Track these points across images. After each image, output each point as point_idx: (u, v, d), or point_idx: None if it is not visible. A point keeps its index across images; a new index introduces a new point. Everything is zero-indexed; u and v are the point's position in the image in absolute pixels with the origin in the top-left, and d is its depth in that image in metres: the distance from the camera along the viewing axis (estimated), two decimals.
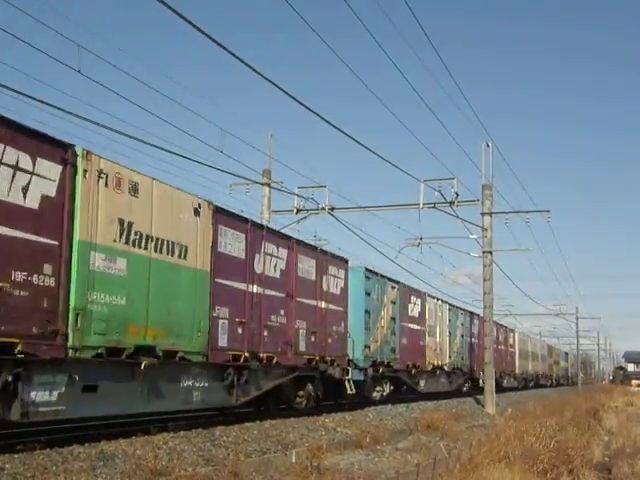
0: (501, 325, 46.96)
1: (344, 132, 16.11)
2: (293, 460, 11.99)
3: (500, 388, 40.58)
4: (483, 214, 28.55)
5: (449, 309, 34.23)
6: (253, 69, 12.01)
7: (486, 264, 28.70)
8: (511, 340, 51.26)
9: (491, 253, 28.86)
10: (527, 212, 29.64)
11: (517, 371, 52.73)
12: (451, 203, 26.09)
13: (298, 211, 27.27)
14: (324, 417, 18.58)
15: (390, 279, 26.17)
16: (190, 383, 14.05)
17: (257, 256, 16.41)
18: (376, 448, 14.45)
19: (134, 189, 12.22)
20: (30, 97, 12.07)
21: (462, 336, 36.50)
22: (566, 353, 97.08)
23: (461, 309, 37.22)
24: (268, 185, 26.75)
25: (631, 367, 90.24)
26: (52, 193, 10.69)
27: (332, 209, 26.90)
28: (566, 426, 18.08)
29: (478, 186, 28.81)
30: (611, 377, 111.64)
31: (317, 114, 14.50)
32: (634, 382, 79.79)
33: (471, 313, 39.00)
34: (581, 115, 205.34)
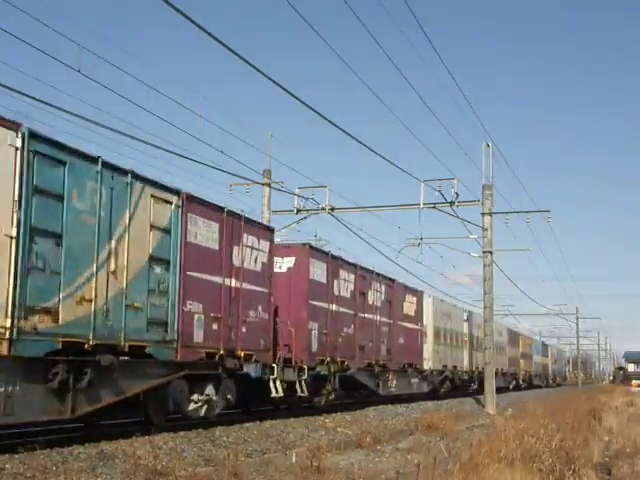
0: (386, 278, 26.23)
1: (345, 131, 16.14)
2: (293, 460, 11.98)
3: (371, 397, 25.80)
4: (483, 214, 28.56)
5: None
6: (255, 68, 12.02)
7: (486, 264, 28.71)
8: (412, 309, 29.00)
9: (491, 253, 28.87)
10: (527, 212, 29.72)
11: (428, 366, 31.40)
12: (451, 203, 26.15)
13: (298, 211, 27.32)
14: (324, 417, 18.59)
15: None
16: None
17: None
18: (376, 448, 14.45)
19: None
20: (31, 97, 12.07)
21: (168, 265, 13.79)
22: (545, 344, 76.74)
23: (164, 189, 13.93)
24: (268, 185, 26.76)
25: (631, 367, 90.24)
26: None
27: (332, 209, 26.95)
28: (566, 426, 18.07)
29: (478, 186, 28.88)
30: (611, 377, 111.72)
31: (318, 112, 14.52)
32: (634, 382, 79.79)
33: (259, 226, 17.87)
34: (581, 115, 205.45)
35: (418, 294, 30.41)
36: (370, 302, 24.34)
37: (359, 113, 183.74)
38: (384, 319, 25.62)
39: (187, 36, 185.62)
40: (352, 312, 22.74)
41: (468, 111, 78.93)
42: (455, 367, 36.14)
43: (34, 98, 12.22)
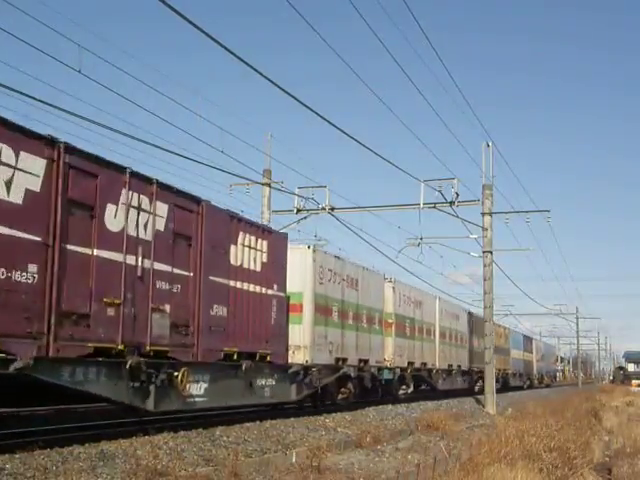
0: (175, 192, 14.22)
1: (345, 132, 16.13)
2: (293, 460, 11.99)
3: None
4: (483, 214, 28.54)
5: None
6: (254, 69, 12.01)
7: (486, 264, 28.69)
8: (256, 260, 17.00)
9: (491, 253, 28.85)
10: (527, 212, 29.71)
11: (303, 358, 19.67)
12: (451, 203, 26.13)
13: (298, 211, 27.30)
14: (324, 417, 18.58)
15: None
16: None
17: None
18: (376, 448, 14.44)
19: None
20: (31, 97, 12.07)
21: None
22: (528, 337, 64.52)
23: None
24: (268, 185, 26.75)
25: (631, 367, 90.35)
26: None
27: (332, 209, 26.93)
28: (566, 426, 18.08)
29: (478, 186, 28.87)
30: (611, 377, 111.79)
31: (318, 114, 14.51)
32: (634, 382, 79.81)
33: None
34: (581, 114, 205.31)
35: (271, 237, 17.81)
36: (115, 228, 12.63)
37: (359, 113, 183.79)
38: (162, 266, 13.64)
39: (187, 36, 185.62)
40: (36, 239, 10.92)
41: (468, 111, 78.96)
42: (366, 362, 23.68)
43: (34, 98, 12.22)
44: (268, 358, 17.49)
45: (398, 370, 27.20)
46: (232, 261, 16.10)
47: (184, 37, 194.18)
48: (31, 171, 10.84)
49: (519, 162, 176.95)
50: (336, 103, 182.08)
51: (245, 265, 16.57)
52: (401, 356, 27.52)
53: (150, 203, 13.41)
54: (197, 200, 14.96)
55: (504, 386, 47.37)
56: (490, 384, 28.70)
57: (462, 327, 37.71)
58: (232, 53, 11.36)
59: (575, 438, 15.79)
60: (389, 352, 26.36)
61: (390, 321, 26.70)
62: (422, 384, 31.93)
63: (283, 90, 13.14)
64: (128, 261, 12.76)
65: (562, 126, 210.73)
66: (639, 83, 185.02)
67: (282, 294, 18.25)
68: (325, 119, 14.92)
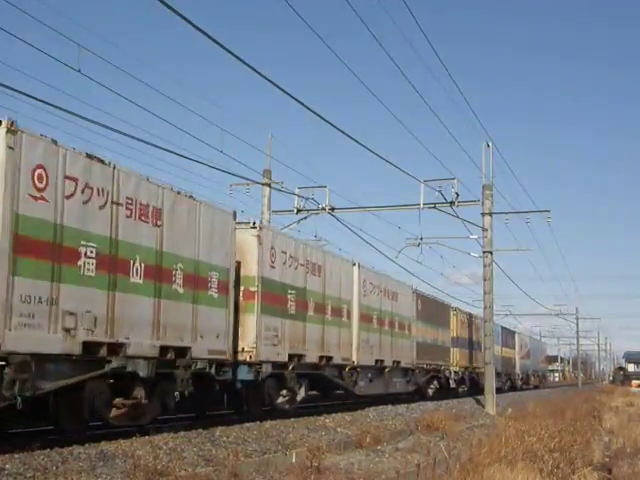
0: None
1: (345, 132, 16.13)
2: (293, 460, 11.98)
3: None
4: (483, 214, 28.54)
5: None
6: (253, 69, 12.02)
7: (486, 264, 28.69)
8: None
9: (491, 253, 28.85)
10: (527, 212, 29.75)
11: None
12: (451, 203, 26.15)
13: (298, 211, 27.31)
14: (324, 417, 18.59)
15: None
16: None
17: None
18: (376, 448, 14.43)
19: None
20: (30, 97, 12.07)
21: None
22: (508, 330, 53.16)
23: None
24: (268, 185, 26.75)
25: (631, 367, 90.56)
26: None
27: (332, 209, 26.94)
28: (566, 426, 18.08)
29: (478, 186, 28.86)
30: (611, 377, 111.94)
31: (317, 114, 14.51)
32: (634, 382, 79.91)
33: None
34: (581, 115, 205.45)
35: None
36: None
37: (359, 114, 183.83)
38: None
39: (186, 36, 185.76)
40: None
41: (468, 111, 78.94)
42: (182, 353, 14.12)
43: (34, 98, 12.22)
44: None
45: (269, 367, 17.34)
46: None
47: (183, 38, 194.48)
48: None
49: (519, 162, 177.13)
50: (336, 103, 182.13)
51: None
52: (275, 345, 17.71)
53: None
54: None
55: (474, 387, 36.81)
56: (490, 384, 28.70)
57: (404, 310, 28.07)
58: (231, 53, 11.36)
59: (575, 438, 15.79)
60: (249, 338, 16.73)
61: (252, 289, 17.02)
62: (335, 388, 22.73)
63: (283, 90, 13.15)
64: None
65: (562, 125, 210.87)
66: (637, 79, 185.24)
67: None
68: (325, 119, 14.92)
